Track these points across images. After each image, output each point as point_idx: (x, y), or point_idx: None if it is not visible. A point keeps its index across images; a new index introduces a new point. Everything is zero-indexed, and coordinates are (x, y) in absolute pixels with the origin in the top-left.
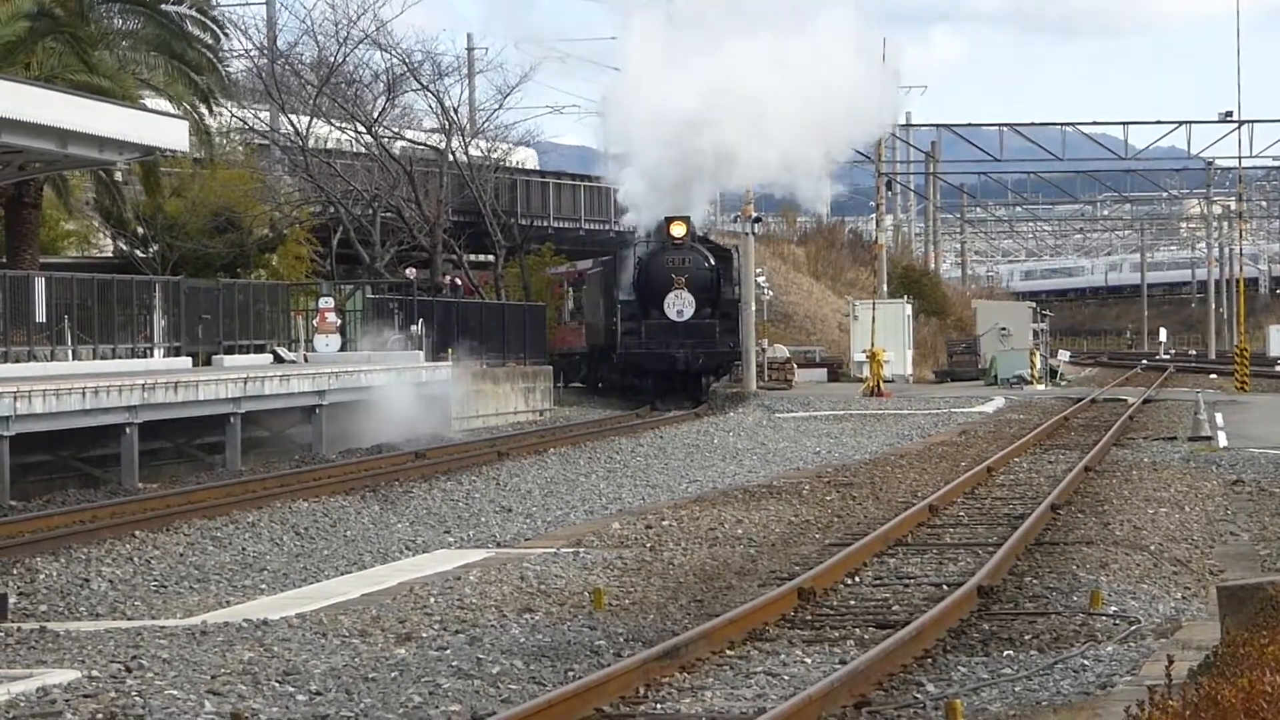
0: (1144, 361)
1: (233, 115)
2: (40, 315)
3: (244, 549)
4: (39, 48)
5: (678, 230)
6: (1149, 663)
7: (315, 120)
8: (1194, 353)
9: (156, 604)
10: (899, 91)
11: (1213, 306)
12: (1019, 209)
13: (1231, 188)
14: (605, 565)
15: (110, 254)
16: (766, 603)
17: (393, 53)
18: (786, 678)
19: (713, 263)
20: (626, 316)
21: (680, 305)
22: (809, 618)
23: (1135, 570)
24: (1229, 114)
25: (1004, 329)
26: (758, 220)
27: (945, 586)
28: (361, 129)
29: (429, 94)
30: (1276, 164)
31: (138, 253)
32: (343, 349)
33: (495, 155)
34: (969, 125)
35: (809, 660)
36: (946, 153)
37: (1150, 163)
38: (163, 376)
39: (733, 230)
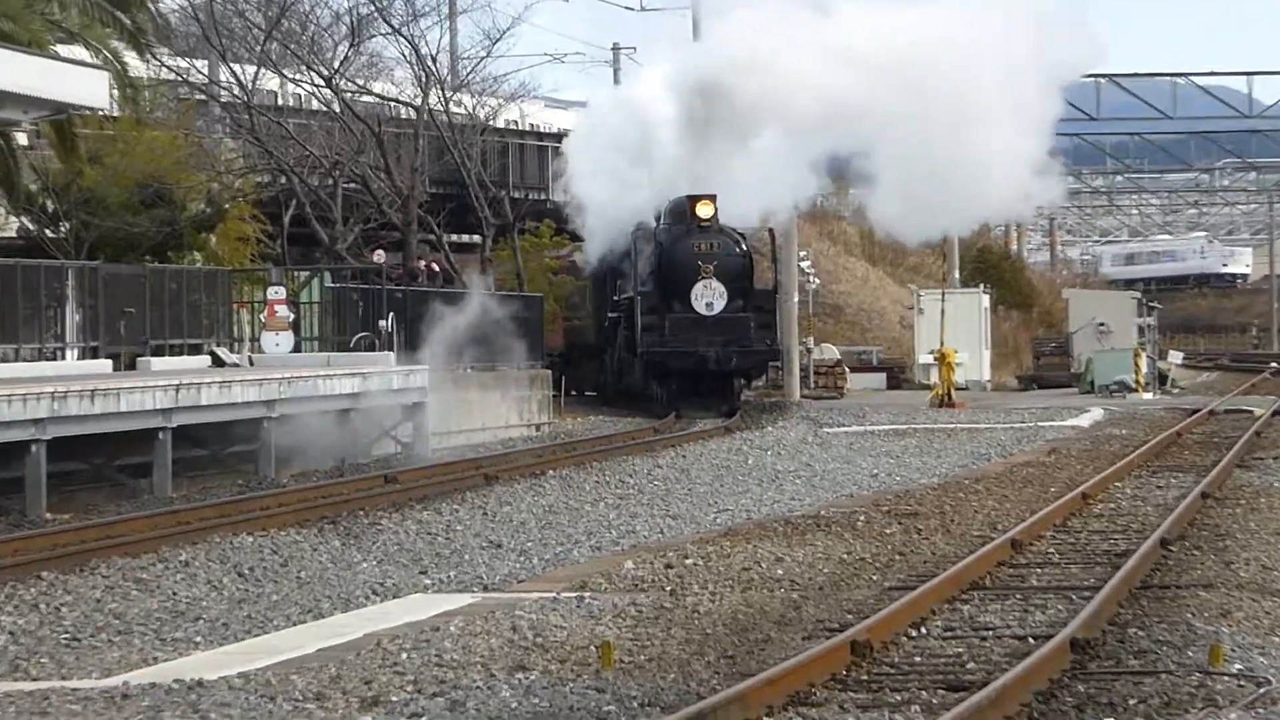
0: (1274, 364)
1: (163, 65)
2: None
3: (175, 594)
4: None
5: (704, 210)
6: None
7: (263, 71)
8: None
9: (68, 661)
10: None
11: None
12: (1119, 178)
13: None
14: (615, 613)
15: (13, 234)
16: (812, 659)
17: None
18: None
19: (745, 248)
20: (646, 310)
21: (710, 297)
22: (865, 678)
23: (1264, 620)
24: None
25: (1102, 325)
26: None
27: (1031, 639)
28: (320, 82)
29: (401, 39)
30: None
31: (46, 232)
32: (296, 349)
33: (483, 113)
34: None
35: None
36: None
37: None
38: (76, 383)
39: None
